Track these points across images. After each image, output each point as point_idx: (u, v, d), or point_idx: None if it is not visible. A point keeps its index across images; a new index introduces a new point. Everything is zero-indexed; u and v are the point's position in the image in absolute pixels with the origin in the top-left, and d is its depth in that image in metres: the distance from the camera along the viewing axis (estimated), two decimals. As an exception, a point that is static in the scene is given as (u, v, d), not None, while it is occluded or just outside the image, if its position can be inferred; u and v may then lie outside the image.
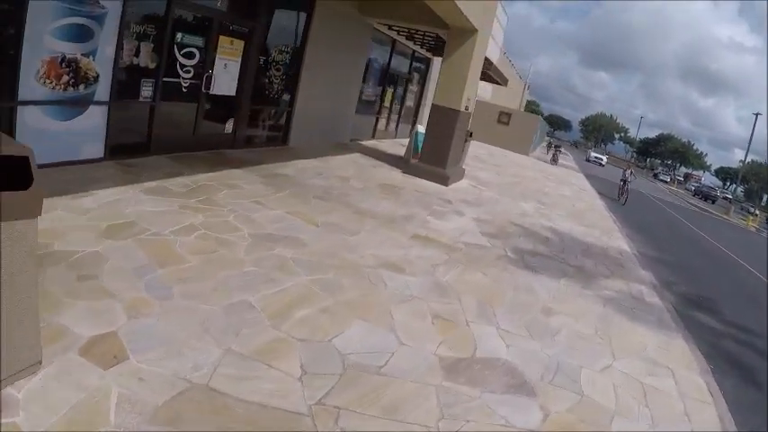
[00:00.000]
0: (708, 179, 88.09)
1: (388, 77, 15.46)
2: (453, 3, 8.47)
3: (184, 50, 7.79)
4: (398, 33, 14.16)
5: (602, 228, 10.65)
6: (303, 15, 10.42)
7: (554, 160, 25.59)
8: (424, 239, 6.42)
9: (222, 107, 9.21)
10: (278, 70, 10.12)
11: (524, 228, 8.46)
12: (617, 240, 9.74)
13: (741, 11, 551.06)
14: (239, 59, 9.00)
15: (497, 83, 24.26)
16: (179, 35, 7.62)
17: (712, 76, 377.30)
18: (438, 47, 16.19)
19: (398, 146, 14.82)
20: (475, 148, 22.01)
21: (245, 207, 5.79)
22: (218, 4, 8.39)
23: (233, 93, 9.11)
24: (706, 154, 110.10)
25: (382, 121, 15.98)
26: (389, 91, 15.86)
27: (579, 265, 7.11)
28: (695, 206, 35.77)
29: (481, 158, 18.51)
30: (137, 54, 6.69)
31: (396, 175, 10.28)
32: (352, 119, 13.55)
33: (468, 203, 9.22)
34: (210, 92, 8.50)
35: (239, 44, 8.92)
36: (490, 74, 20.37)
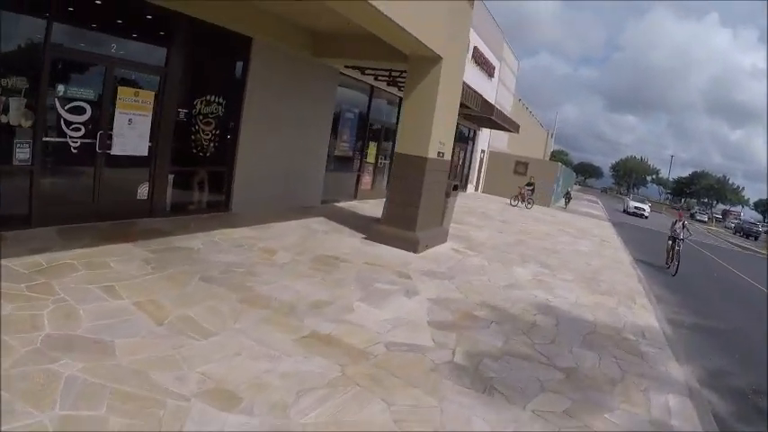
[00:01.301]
0: (747, 214, 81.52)
1: (369, 129, 13.64)
2: (396, 25, 6.61)
3: (70, 105, 6.35)
4: (376, 78, 12.40)
5: (621, 293, 8.12)
6: (236, 60, 8.76)
7: (521, 200, 22.02)
8: (322, 341, 4.25)
9: (131, 170, 7.53)
10: (207, 124, 8.36)
11: (503, 309, 6.10)
12: (641, 312, 7.21)
13: (761, 37, 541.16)
14: (149, 113, 7.35)
15: (508, 130, 22.30)
16: (60, 87, 6.21)
17: (739, 106, 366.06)
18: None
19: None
20: (485, 201, 19.81)
21: (83, 296, 4.30)
22: (112, 50, 6.79)
23: (143, 153, 7.42)
24: (743, 188, 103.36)
25: (366, 179, 14.02)
26: (373, 144, 13.99)
27: (571, 368, 4.70)
28: (738, 246, 32.23)
29: (488, 214, 16.27)
30: (4, 111, 5.61)
31: (351, 243, 8.16)
32: (323, 178, 11.65)
33: (433, 276, 6.97)
34: (111, 152, 6.94)
35: (147, 95, 7.29)
36: (496, 120, 18.44)
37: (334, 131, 12.00)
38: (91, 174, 6.86)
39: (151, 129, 7.40)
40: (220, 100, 8.48)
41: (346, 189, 13.30)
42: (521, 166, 25.12)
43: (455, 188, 10.27)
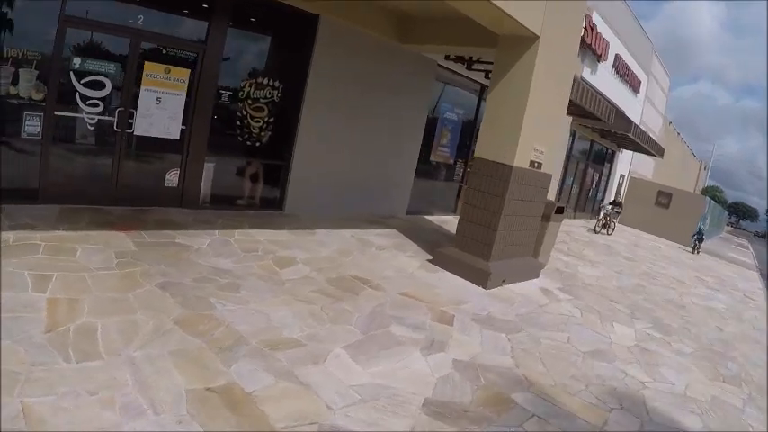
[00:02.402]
0: None
1: (477, 134, 11.68)
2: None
3: (87, 79, 5.65)
4: (487, 76, 10.43)
5: (756, 384, 5.26)
6: (298, 40, 7.45)
7: (604, 226, 16.17)
8: (227, 403, 2.66)
9: (159, 154, 6.62)
10: (258, 110, 7.16)
11: (563, 394, 3.85)
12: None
13: None
14: (182, 93, 6.37)
15: (650, 153, 18.88)
16: (76, 60, 5.53)
17: None
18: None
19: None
20: (616, 233, 16.66)
21: (7, 281, 3.54)
22: (139, 22, 5.86)
23: (174, 135, 6.45)
24: None
25: (464, 192, 12.06)
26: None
27: None
28: None
29: (613, 248, 13.35)
30: (14, 83, 5.14)
31: (403, 265, 6.35)
32: (412, 186, 9.96)
33: (487, 325, 4.91)
34: (134, 132, 6.10)
35: (181, 73, 6.32)
36: (635, 140, 15.43)
37: (431, 134, 10.27)
38: (110, 154, 6.08)
39: (185, 110, 6.42)
40: (276, 84, 7.23)
41: (443, 201, 11.42)
42: (663, 196, 21.20)
43: (559, 211, 8.00)
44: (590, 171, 18.31)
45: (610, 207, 16.56)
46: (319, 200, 8.06)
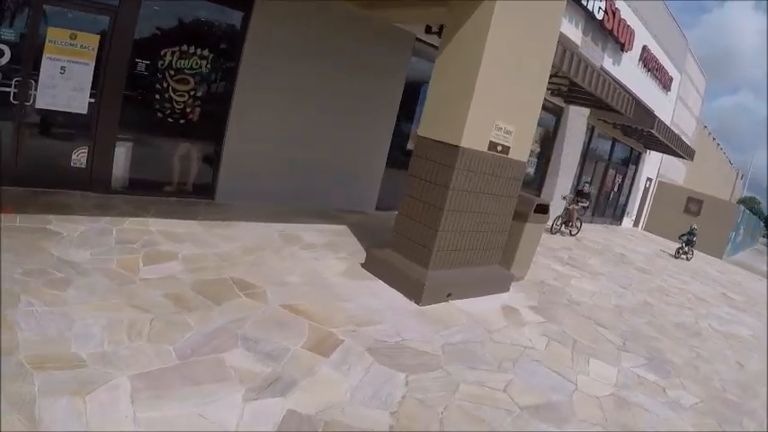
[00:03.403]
0: None
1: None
2: None
3: None
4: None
5: None
6: (231, 4, 6.23)
7: (565, 224, 11.91)
8: None
9: (66, 129, 5.56)
10: (182, 83, 5.99)
11: None
12: None
13: None
14: (91, 62, 5.33)
15: (679, 155, 16.95)
16: None
17: None
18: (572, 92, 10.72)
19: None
20: (638, 241, 14.83)
21: None
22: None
23: (81, 110, 5.41)
24: None
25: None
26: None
27: None
28: None
29: (627, 257, 11.61)
30: None
31: (320, 269, 4.97)
32: (382, 177, 8.63)
33: (388, 358, 3.50)
34: (35, 105, 5.14)
35: (89, 39, 5.29)
36: (660, 138, 13.63)
37: (410, 118, 8.89)
38: (9, 129, 5.07)
39: (94, 81, 5.36)
40: (204, 53, 6.03)
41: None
42: (694, 203, 19.05)
43: (542, 210, 6.49)
44: (611, 172, 16.44)
45: (571, 198, 11.73)
46: (261, 188, 6.83)
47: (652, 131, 12.81)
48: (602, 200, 16.49)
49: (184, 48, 5.89)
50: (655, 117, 12.54)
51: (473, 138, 4.89)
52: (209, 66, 6.12)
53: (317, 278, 4.73)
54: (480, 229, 5.47)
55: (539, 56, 5.50)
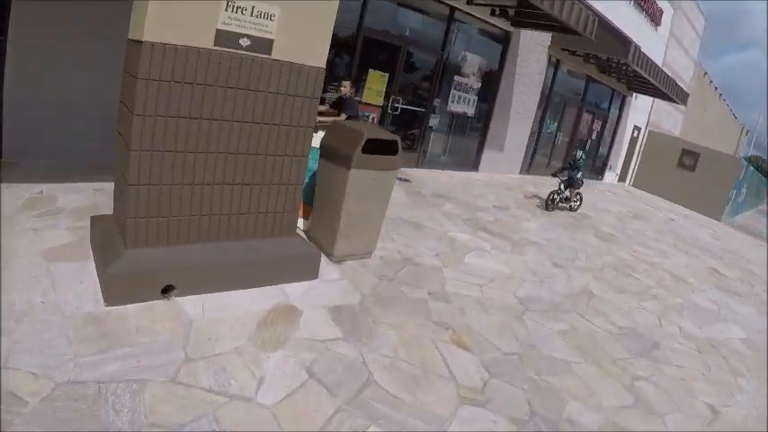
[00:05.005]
0: None
1: (355, 42, 7.53)
2: None
3: None
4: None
5: None
6: None
7: (567, 200, 8.86)
8: None
9: None
10: None
11: None
12: None
13: None
14: None
15: (668, 98, 14.14)
16: None
17: None
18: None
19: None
20: (621, 199, 12.16)
21: None
22: None
23: None
24: None
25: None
26: (377, 74, 7.82)
27: None
28: None
29: (592, 219, 9.04)
30: None
31: (38, 248, 2.65)
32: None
33: None
34: None
35: None
36: (642, 74, 10.87)
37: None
38: None
39: None
40: None
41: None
42: (689, 156, 16.26)
43: (385, 150, 3.90)
44: (586, 117, 13.60)
45: (567, 172, 8.83)
46: (60, 144, 4.61)
47: (628, 63, 10.04)
48: (575, 150, 13.68)
49: None
50: (629, 43, 9.73)
51: (176, 26, 2.41)
52: None
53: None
54: (240, 181, 2.98)
55: None
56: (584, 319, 4.37)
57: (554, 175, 9.07)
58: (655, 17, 14.84)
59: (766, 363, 4.51)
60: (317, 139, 4.16)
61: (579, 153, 8.87)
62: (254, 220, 3.23)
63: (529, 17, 8.58)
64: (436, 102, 8.90)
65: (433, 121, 9.00)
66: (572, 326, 4.14)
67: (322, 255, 3.78)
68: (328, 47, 3.21)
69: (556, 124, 12.32)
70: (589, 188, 13.21)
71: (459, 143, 9.79)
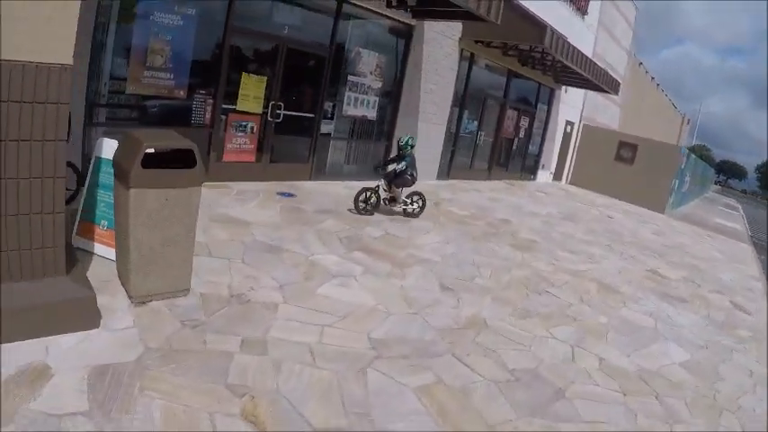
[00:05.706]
0: None
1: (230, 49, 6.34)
2: None
3: None
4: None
5: None
6: None
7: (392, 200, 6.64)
8: None
9: None
10: None
11: None
12: None
13: None
14: None
15: (600, 89, 13.49)
16: None
17: None
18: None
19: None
20: (558, 199, 11.23)
21: None
22: None
23: None
24: None
25: (242, 141, 6.69)
26: (251, 78, 6.57)
27: None
28: None
29: (512, 224, 7.99)
30: None
31: None
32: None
33: None
34: None
35: None
36: (566, 63, 10.06)
37: (121, 49, 5.02)
38: None
39: None
40: None
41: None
42: (626, 149, 15.65)
43: (180, 161, 2.75)
44: (511, 113, 12.70)
45: (393, 168, 6.60)
46: None
47: (547, 50, 9.19)
48: (499, 150, 12.74)
49: None
50: (544, 27, 8.85)
51: None
52: None
53: None
54: None
55: None
56: (461, 363, 3.21)
57: (375, 169, 7.11)
58: (581, 8, 14.26)
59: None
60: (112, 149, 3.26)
61: (405, 139, 6.61)
62: (6, 260, 2.46)
63: (429, 5, 7.62)
64: (328, 106, 7.75)
65: (327, 128, 7.83)
66: (439, 377, 2.97)
67: (125, 295, 3.00)
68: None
69: (476, 123, 11.34)
70: (518, 189, 12.30)
71: (363, 150, 8.65)
